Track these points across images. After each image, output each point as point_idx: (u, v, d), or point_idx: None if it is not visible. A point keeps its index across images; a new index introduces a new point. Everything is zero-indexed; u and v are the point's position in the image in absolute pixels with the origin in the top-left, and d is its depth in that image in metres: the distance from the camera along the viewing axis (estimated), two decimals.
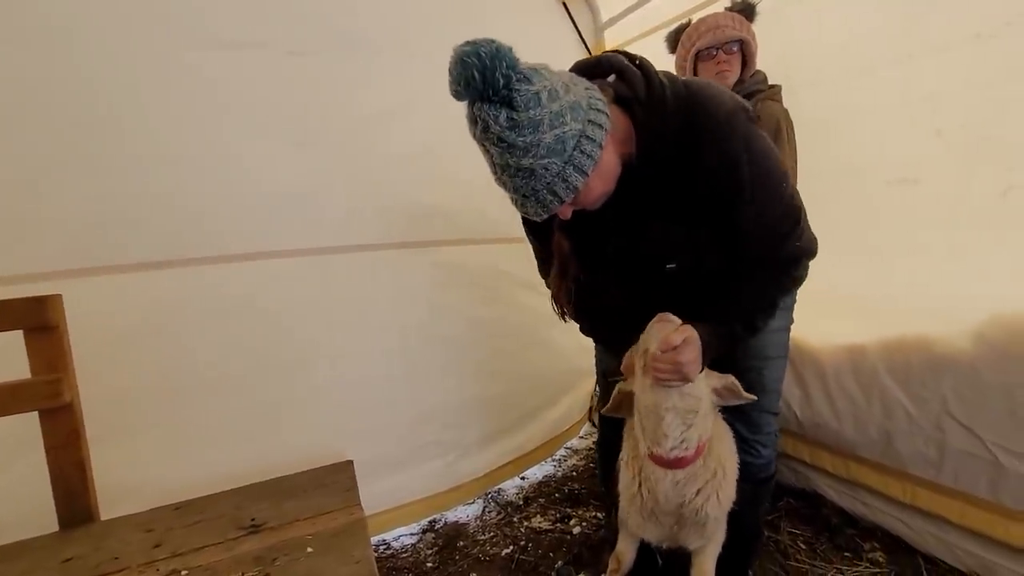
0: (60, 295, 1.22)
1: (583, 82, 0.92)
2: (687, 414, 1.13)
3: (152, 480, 1.52)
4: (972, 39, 1.41)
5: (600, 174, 0.93)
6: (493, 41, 0.78)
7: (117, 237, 1.47)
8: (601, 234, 1.12)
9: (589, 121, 0.87)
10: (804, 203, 1.13)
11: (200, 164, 1.57)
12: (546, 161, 0.85)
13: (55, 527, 1.23)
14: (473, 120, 0.85)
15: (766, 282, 1.12)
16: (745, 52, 1.61)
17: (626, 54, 1.02)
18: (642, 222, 1.09)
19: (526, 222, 1.20)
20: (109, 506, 1.31)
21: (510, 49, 0.79)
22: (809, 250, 1.12)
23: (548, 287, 1.28)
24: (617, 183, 1.01)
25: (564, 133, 0.84)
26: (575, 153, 0.87)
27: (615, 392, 1.29)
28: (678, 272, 1.13)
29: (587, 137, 0.87)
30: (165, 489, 1.44)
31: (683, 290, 1.16)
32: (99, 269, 1.45)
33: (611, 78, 0.99)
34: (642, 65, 0.99)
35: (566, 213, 0.96)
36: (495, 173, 0.90)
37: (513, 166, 0.85)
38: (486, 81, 0.78)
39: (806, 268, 1.14)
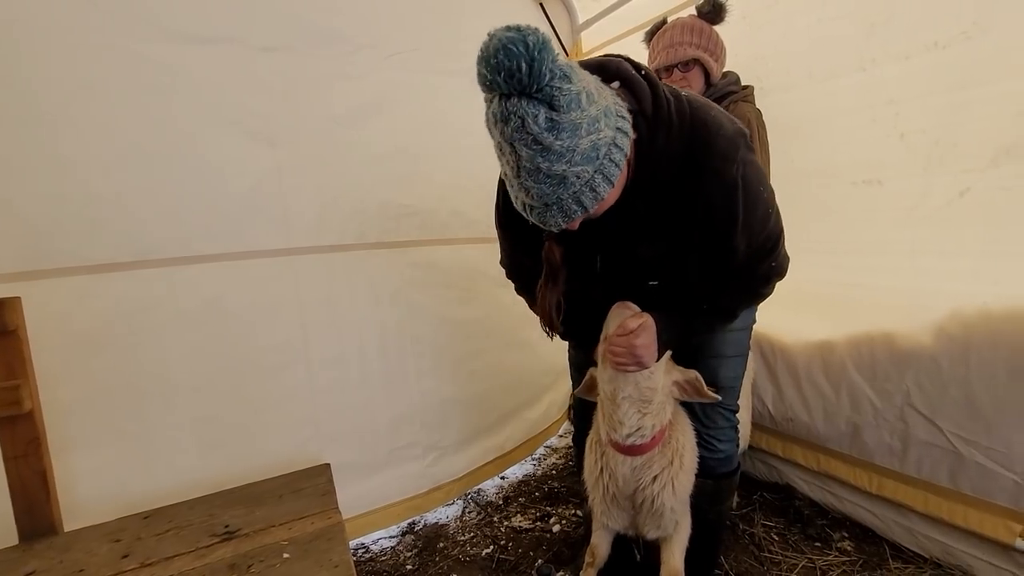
0: (19, 297, 1.18)
1: (604, 86, 0.87)
2: (642, 403, 1.19)
3: (118, 489, 1.47)
4: (931, 47, 1.47)
5: (617, 183, 0.89)
6: (538, 29, 0.70)
7: (80, 237, 1.42)
8: (590, 248, 1.11)
9: (618, 128, 0.83)
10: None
11: (170, 162, 1.53)
12: (579, 168, 0.78)
13: (15, 540, 1.18)
14: (504, 117, 0.74)
15: (734, 295, 1.16)
16: (705, 66, 1.60)
17: (631, 62, 0.96)
18: (631, 241, 1.07)
19: (502, 218, 1.17)
20: (73, 518, 1.26)
21: (551, 40, 0.71)
22: (781, 270, 1.15)
23: (509, 277, 1.29)
24: None
25: (599, 139, 0.79)
26: (605, 161, 0.81)
27: (588, 374, 1.36)
28: (659, 288, 1.15)
29: (616, 145, 0.82)
30: (133, 498, 1.40)
31: (661, 299, 1.18)
32: (61, 271, 1.40)
33: (615, 85, 0.93)
34: (648, 77, 0.94)
35: (575, 224, 0.90)
36: (517, 176, 0.81)
37: (544, 171, 0.78)
38: (532, 74, 0.69)
39: (774, 286, 1.18)
